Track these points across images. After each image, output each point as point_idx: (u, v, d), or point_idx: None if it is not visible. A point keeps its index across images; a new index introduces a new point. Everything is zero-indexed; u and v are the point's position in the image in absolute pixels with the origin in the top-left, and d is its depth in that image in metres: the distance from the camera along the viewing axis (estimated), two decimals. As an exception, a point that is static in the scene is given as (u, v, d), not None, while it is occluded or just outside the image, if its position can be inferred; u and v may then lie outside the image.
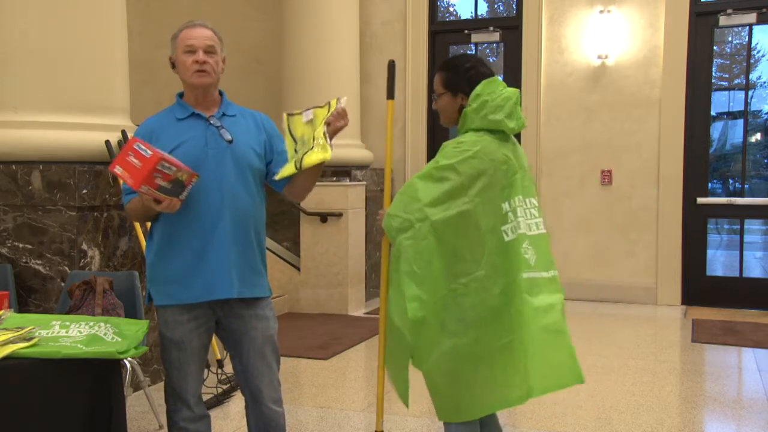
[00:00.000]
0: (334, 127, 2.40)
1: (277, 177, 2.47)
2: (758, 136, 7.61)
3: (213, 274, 2.40)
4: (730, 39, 7.38)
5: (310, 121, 2.44)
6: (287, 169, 2.42)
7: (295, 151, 2.44)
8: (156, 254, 2.46)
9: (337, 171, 6.64)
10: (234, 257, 2.42)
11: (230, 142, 2.44)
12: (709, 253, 7.04)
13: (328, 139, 2.37)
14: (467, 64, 2.45)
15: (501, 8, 8.27)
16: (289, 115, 2.50)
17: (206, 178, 2.38)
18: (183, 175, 2.28)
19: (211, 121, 2.47)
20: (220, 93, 2.55)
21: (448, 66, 2.49)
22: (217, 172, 2.41)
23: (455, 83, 2.44)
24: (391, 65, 2.58)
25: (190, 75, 2.42)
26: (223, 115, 2.50)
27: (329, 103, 2.45)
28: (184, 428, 2.51)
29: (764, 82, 7.32)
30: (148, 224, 2.58)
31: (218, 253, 2.40)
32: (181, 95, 2.53)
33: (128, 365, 3.41)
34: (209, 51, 2.43)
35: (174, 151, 2.38)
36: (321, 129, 2.38)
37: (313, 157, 2.35)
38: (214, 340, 3.59)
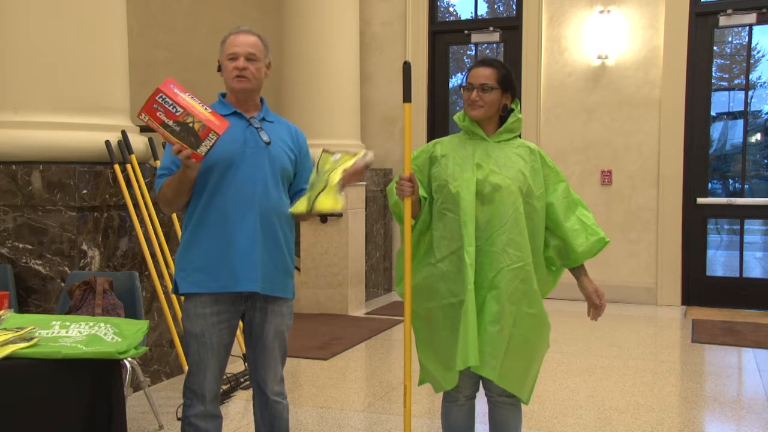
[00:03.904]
0: (346, 180, 2.50)
1: (289, 210, 2.56)
2: (758, 136, 7.61)
3: (238, 266, 2.45)
4: (730, 39, 7.38)
5: (336, 161, 2.55)
6: (299, 206, 2.51)
7: (310, 185, 2.54)
8: (186, 242, 2.51)
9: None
10: (260, 252, 2.47)
11: (268, 143, 2.52)
12: (709, 253, 7.04)
13: (340, 189, 2.48)
14: (511, 70, 2.59)
15: (501, 8, 8.27)
16: (325, 151, 2.59)
17: (241, 174, 2.46)
18: (195, 123, 2.29)
19: (251, 122, 2.54)
20: (261, 100, 2.63)
21: (500, 64, 2.56)
22: (252, 170, 2.48)
23: (508, 82, 2.54)
24: (407, 67, 2.54)
25: (231, 80, 2.52)
26: (263, 119, 2.59)
27: (357, 154, 2.56)
28: (195, 425, 2.53)
29: (764, 82, 7.32)
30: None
31: (245, 245, 2.45)
32: (223, 95, 2.61)
33: (128, 365, 3.41)
34: (251, 58, 2.51)
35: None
36: (337, 176, 2.48)
37: (326, 205, 2.47)
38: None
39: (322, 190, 2.48)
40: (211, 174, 2.46)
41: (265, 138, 2.52)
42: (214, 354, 2.51)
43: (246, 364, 2.87)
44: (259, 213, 2.47)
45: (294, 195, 2.64)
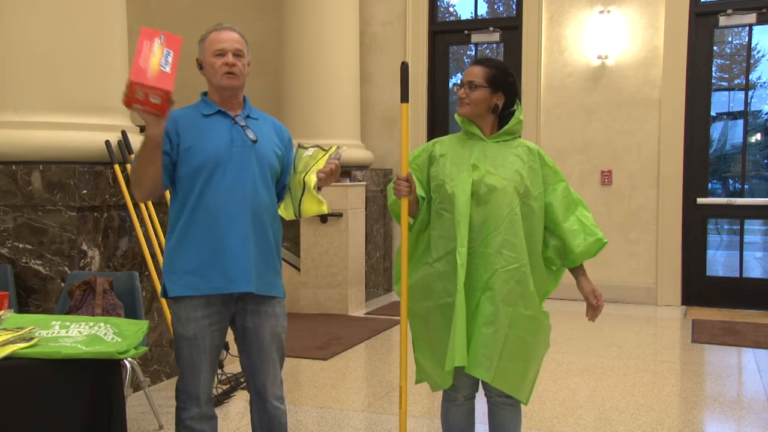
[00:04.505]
0: (323, 182, 2.51)
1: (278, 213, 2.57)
2: (758, 136, 7.61)
3: (233, 267, 2.41)
4: (730, 39, 7.38)
5: (308, 158, 2.54)
6: (288, 213, 2.54)
7: (290, 186, 2.54)
8: (175, 244, 2.46)
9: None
10: (253, 252, 2.44)
11: (255, 142, 2.48)
12: (709, 253, 7.05)
13: (318, 191, 2.49)
14: (510, 72, 2.57)
15: (501, 8, 8.27)
16: (300, 146, 2.58)
17: (230, 174, 2.42)
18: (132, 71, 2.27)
19: (237, 120, 2.50)
20: (243, 97, 2.59)
21: (493, 64, 2.55)
22: (241, 169, 2.44)
23: (500, 82, 2.52)
24: (404, 68, 2.54)
25: (220, 77, 2.46)
26: (248, 116, 2.55)
27: (330, 149, 2.55)
28: (190, 427, 2.51)
29: (764, 82, 7.32)
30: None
31: (238, 246, 2.42)
32: (205, 94, 2.56)
33: (128, 365, 3.41)
34: (238, 54, 2.48)
35: (199, 145, 2.42)
36: (313, 179, 2.48)
37: (311, 210, 2.49)
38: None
39: (303, 194, 2.47)
40: (199, 174, 2.41)
41: (252, 136, 2.48)
42: (207, 356, 2.49)
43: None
44: (251, 213, 2.44)
45: (280, 190, 2.62)
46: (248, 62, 2.54)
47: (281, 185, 2.62)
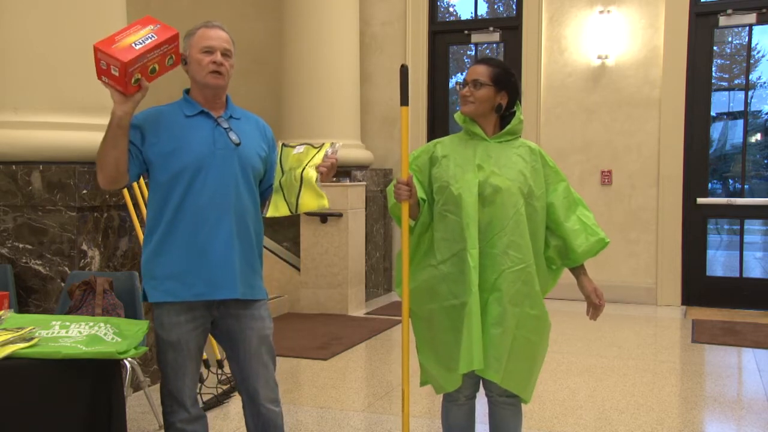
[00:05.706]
0: (325, 176, 2.43)
1: (267, 215, 2.48)
2: (758, 136, 7.61)
3: (217, 273, 2.39)
4: (730, 39, 7.38)
5: (299, 155, 2.47)
6: (281, 210, 2.44)
7: (280, 185, 2.46)
8: (155, 248, 2.41)
9: (337, 171, 6.63)
10: (238, 257, 2.42)
11: (238, 145, 2.45)
12: (709, 253, 7.05)
13: (320, 185, 2.41)
14: (512, 72, 2.58)
15: (501, 8, 8.27)
16: (284, 145, 2.53)
17: (213, 178, 2.39)
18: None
19: (220, 122, 2.47)
20: (226, 96, 2.55)
21: (497, 63, 2.55)
22: (223, 172, 2.41)
23: (504, 81, 2.52)
24: (404, 70, 2.52)
25: (205, 75, 2.42)
26: (230, 117, 2.51)
27: (323, 145, 2.50)
28: (182, 429, 2.50)
29: (764, 83, 7.32)
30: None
31: (222, 251, 2.39)
32: (187, 91, 2.52)
33: (128, 365, 3.41)
34: (226, 54, 2.44)
35: (181, 148, 2.38)
36: (312, 173, 2.40)
37: (311, 204, 2.39)
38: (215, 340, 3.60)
39: (300, 189, 2.41)
40: (181, 178, 2.37)
41: (235, 139, 2.44)
42: (192, 360, 2.47)
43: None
44: (235, 216, 2.41)
45: (264, 190, 2.57)
46: (233, 64, 2.49)
47: (266, 185, 2.58)
